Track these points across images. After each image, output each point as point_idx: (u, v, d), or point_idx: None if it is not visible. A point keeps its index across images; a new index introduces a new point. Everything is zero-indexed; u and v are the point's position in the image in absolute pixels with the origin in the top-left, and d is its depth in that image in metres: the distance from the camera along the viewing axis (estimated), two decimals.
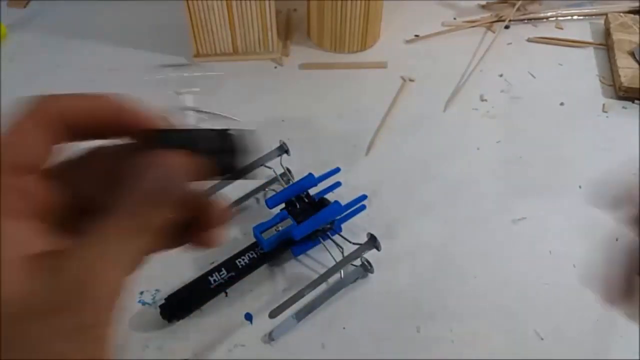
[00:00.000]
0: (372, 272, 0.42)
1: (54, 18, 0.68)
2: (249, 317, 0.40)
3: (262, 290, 0.42)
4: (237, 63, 0.62)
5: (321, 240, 0.43)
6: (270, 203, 0.43)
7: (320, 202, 0.44)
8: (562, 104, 0.58)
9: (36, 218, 0.23)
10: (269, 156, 0.46)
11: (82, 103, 0.24)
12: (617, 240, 0.45)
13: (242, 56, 0.62)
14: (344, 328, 0.40)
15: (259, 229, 0.42)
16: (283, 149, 0.47)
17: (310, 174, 0.45)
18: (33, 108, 0.23)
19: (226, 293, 0.42)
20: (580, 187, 0.50)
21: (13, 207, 0.22)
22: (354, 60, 0.63)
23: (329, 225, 0.43)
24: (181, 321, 0.40)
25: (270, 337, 0.39)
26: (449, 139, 0.54)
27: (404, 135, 0.54)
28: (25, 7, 0.69)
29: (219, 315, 0.41)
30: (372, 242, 0.41)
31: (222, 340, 0.39)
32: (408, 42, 0.65)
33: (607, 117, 0.56)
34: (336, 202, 0.43)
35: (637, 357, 0.38)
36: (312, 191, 0.45)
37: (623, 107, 0.57)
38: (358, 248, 0.41)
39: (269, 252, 0.42)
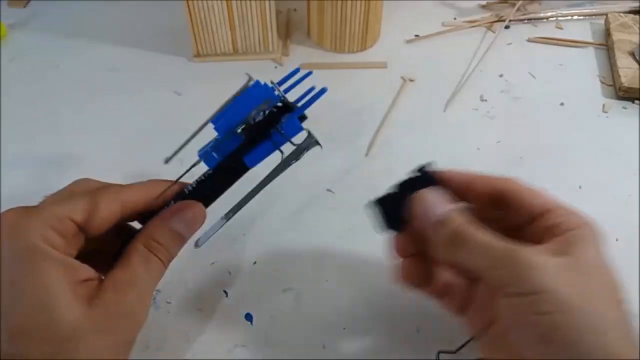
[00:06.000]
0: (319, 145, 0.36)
1: (54, 18, 0.68)
2: (249, 317, 0.40)
3: (262, 291, 0.42)
4: (237, 63, 0.62)
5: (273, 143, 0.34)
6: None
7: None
8: (562, 104, 0.58)
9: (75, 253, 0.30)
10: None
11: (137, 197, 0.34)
12: (617, 240, 0.45)
13: (242, 56, 0.62)
14: (344, 328, 0.40)
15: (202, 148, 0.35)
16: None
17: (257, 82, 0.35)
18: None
19: (226, 293, 0.42)
20: (580, 187, 0.50)
21: (58, 243, 0.28)
22: (354, 60, 0.63)
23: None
24: (181, 321, 0.40)
25: (196, 244, 0.36)
26: (449, 139, 0.54)
27: (404, 135, 0.54)
28: (25, 7, 0.69)
29: (219, 315, 0.41)
30: (310, 138, 0.36)
31: (222, 340, 0.39)
32: (408, 42, 0.65)
33: (607, 117, 0.56)
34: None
35: (637, 357, 0.38)
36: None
37: (623, 107, 0.57)
38: (296, 147, 0.35)
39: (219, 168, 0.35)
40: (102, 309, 0.28)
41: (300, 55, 0.63)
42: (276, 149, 0.35)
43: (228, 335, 0.39)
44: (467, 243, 0.30)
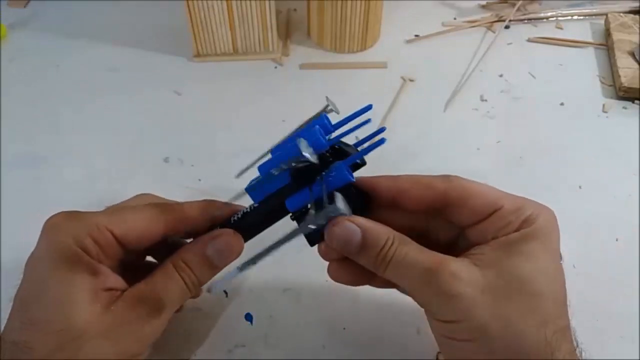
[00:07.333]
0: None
1: (54, 18, 0.68)
2: (249, 317, 0.40)
3: (262, 291, 0.42)
4: (237, 63, 0.62)
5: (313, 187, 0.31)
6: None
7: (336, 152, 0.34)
8: (562, 104, 0.58)
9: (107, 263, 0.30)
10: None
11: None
12: (617, 240, 0.45)
13: (242, 56, 0.62)
14: (344, 328, 0.40)
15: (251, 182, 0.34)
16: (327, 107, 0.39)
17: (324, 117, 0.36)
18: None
19: (226, 293, 0.42)
20: (580, 187, 0.50)
21: (92, 249, 0.29)
22: (354, 60, 0.63)
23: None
24: (181, 321, 0.40)
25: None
26: (449, 139, 0.54)
27: (404, 135, 0.54)
28: (25, 7, 0.69)
29: (219, 315, 0.41)
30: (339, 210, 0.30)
31: (222, 340, 0.39)
32: (408, 42, 0.65)
33: (607, 117, 0.56)
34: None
35: (637, 357, 0.38)
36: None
37: (623, 107, 0.57)
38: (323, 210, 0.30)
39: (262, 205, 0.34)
40: (113, 317, 0.29)
41: (300, 55, 0.63)
42: (312, 199, 0.31)
43: (228, 335, 0.39)
44: (390, 265, 0.29)
